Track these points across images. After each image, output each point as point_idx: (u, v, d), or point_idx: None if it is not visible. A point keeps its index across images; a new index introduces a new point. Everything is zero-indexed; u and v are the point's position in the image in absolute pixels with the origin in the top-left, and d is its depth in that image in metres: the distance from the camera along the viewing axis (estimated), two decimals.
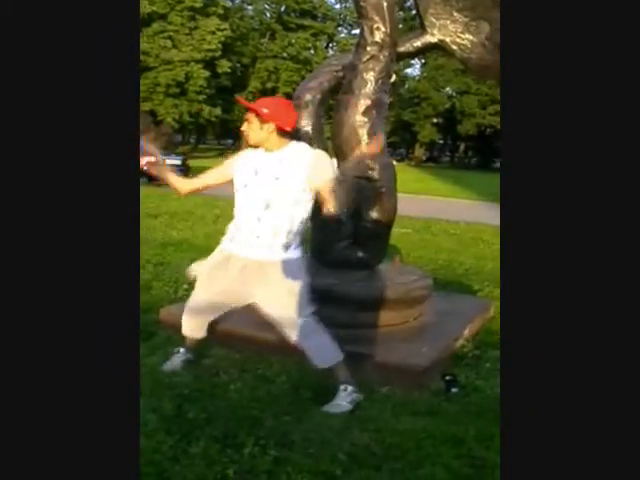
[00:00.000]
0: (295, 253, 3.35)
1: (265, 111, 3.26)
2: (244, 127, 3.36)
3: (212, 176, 3.58)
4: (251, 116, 3.31)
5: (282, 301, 3.32)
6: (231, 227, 3.45)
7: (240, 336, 3.99)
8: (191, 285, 5.58)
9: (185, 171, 19.81)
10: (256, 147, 3.38)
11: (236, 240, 3.39)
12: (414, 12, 34.82)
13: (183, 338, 3.77)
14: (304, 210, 3.32)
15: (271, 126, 3.27)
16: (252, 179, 3.33)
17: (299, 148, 3.36)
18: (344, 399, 3.29)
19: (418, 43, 4.51)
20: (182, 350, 3.75)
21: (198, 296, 3.62)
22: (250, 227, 3.32)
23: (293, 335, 3.35)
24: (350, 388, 3.32)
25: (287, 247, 3.31)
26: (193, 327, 3.70)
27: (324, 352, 3.36)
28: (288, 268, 3.31)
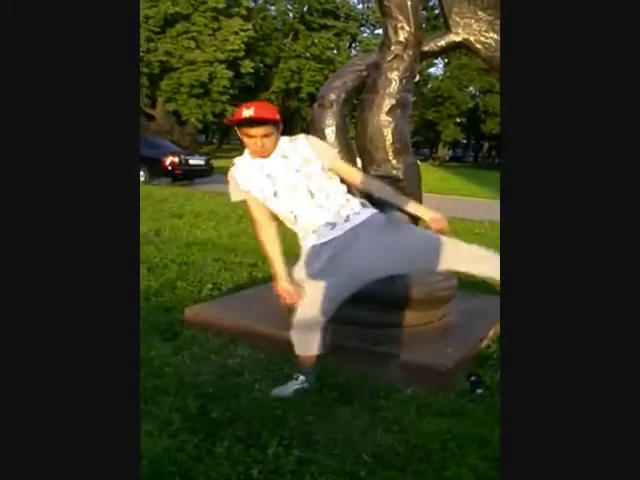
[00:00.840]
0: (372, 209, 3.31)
1: (277, 117, 3.15)
2: (261, 143, 3.13)
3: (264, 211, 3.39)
4: (268, 129, 3.12)
5: (417, 246, 3.28)
6: (300, 232, 3.32)
7: (265, 335, 4.00)
8: (215, 285, 5.66)
9: (208, 171, 19.91)
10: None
11: (315, 232, 3.24)
12: (438, 11, 34.72)
13: (297, 362, 3.50)
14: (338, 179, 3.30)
15: (281, 127, 3.20)
16: (275, 185, 3.22)
17: (285, 139, 3.25)
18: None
19: (442, 42, 4.49)
20: (301, 378, 3.44)
21: (314, 303, 3.30)
22: (316, 216, 3.21)
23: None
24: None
25: (363, 204, 3.30)
26: (312, 340, 3.38)
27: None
28: (377, 219, 3.27)
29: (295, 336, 3.39)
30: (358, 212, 3.24)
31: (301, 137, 3.28)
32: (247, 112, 3.08)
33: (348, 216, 3.21)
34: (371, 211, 3.29)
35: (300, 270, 3.34)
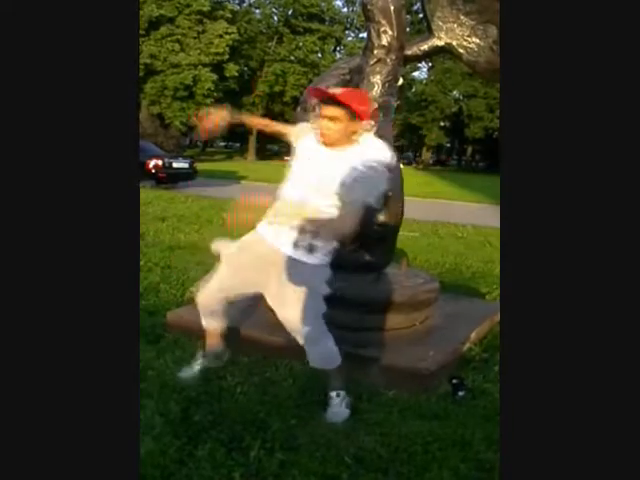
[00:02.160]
0: (317, 259, 3.12)
1: (362, 109, 2.94)
2: (325, 125, 2.98)
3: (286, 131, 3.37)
4: (337, 111, 2.93)
5: (292, 303, 3.14)
6: (274, 208, 3.21)
7: (247, 339, 3.99)
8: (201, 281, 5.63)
9: (192, 174, 19.85)
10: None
11: (271, 225, 3.18)
12: (421, 16, 34.83)
13: (202, 342, 3.60)
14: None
15: (361, 126, 2.99)
16: (303, 166, 3.13)
17: (362, 152, 3.00)
18: (339, 405, 3.22)
19: (425, 46, 4.51)
20: (200, 358, 3.61)
21: (220, 278, 3.37)
22: (285, 217, 3.09)
23: (298, 338, 3.23)
24: (342, 394, 3.25)
25: (311, 250, 3.09)
26: (213, 314, 3.43)
27: (325, 357, 3.25)
28: (306, 271, 3.11)
29: (203, 307, 3.47)
30: (312, 250, 3.11)
31: (368, 165, 2.97)
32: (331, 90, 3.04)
33: (299, 245, 3.10)
34: (303, 258, 3.12)
35: (237, 245, 3.35)
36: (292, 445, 2.86)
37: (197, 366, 3.57)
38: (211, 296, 3.41)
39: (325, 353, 3.24)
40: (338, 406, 3.22)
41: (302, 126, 3.36)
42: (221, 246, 3.41)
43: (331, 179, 2.98)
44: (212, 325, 3.52)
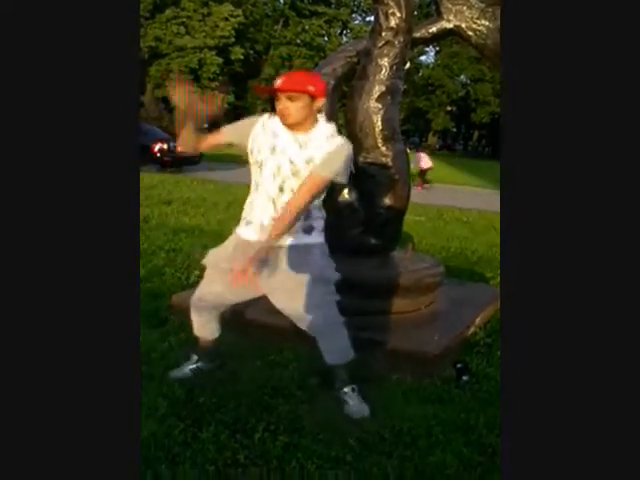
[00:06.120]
0: (317, 238, 3.07)
1: (312, 89, 2.88)
2: (283, 106, 2.89)
3: (230, 134, 3.15)
4: (293, 95, 2.87)
5: (297, 291, 3.03)
6: (246, 206, 3.14)
7: (251, 322, 3.99)
8: (202, 272, 5.64)
9: (197, 158, 19.79)
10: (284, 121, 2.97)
11: (251, 224, 3.08)
12: None
13: (196, 342, 3.49)
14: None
15: (319, 103, 2.94)
16: (268, 157, 2.98)
17: (325, 132, 2.97)
18: (358, 399, 3.12)
19: (433, 29, 4.48)
20: (194, 357, 3.46)
21: (206, 288, 3.28)
22: (265, 209, 3.01)
23: (307, 329, 3.11)
24: (355, 388, 3.15)
25: (308, 230, 3.04)
26: (203, 324, 3.40)
27: (342, 352, 3.15)
28: (308, 253, 3.04)
29: (193, 316, 3.42)
30: (294, 233, 3.01)
31: (338, 142, 2.96)
32: (280, 80, 2.93)
33: (292, 230, 2.99)
34: (302, 240, 3.05)
35: (218, 255, 3.23)
36: (296, 427, 2.87)
37: (189, 367, 3.42)
38: (203, 313, 3.38)
39: (342, 347, 3.14)
40: (357, 400, 3.12)
41: (246, 121, 3.15)
42: (207, 260, 3.29)
43: (305, 163, 2.94)
44: (204, 334, 3.44)
